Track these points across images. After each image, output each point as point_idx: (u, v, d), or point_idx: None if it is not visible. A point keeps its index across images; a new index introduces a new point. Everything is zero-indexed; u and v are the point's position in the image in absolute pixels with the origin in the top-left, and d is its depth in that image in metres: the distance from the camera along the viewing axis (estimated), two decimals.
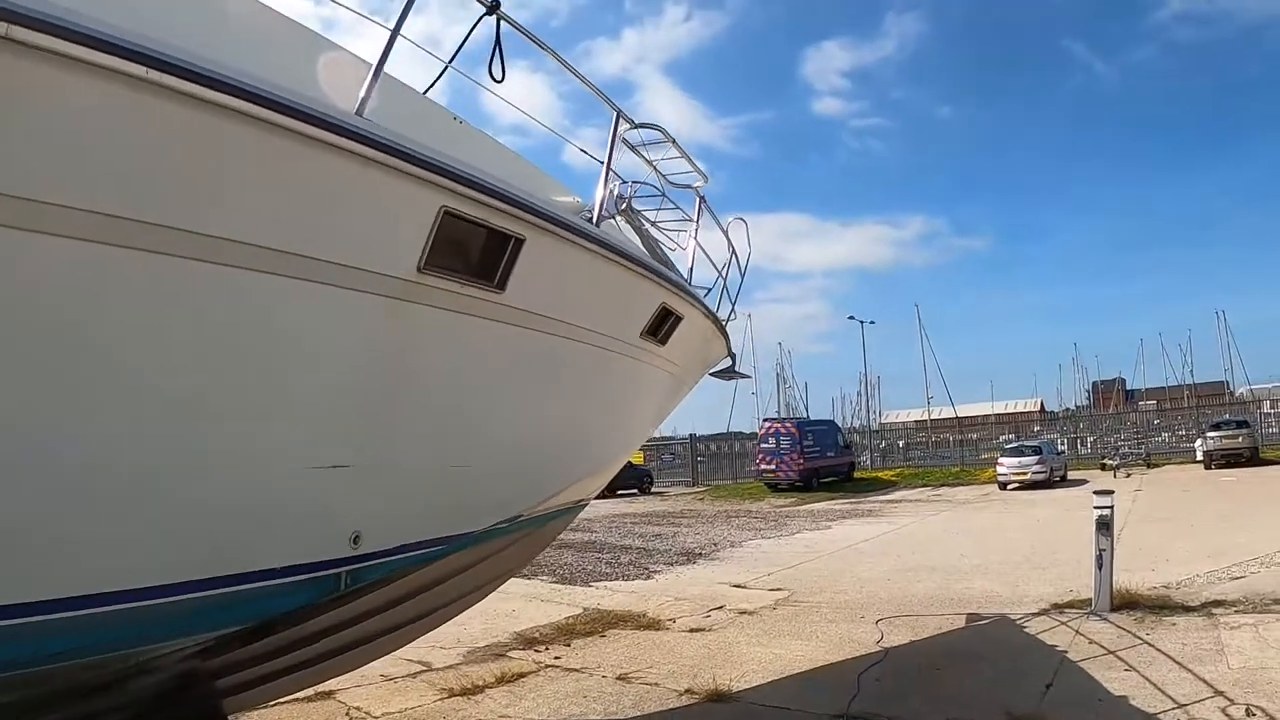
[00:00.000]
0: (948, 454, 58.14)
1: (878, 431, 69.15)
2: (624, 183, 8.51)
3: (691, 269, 9.19)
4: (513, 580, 17.81)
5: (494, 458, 6.52)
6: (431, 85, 7.32)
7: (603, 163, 7.12)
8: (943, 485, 43.63)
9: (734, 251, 11.16)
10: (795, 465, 44.09)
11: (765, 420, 49.78)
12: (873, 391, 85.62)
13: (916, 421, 76.46)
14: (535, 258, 5.90)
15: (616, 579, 17.73)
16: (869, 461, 55.20)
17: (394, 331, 5.24)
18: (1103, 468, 45.19)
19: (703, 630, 12.49)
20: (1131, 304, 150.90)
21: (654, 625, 13.06)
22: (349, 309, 4.94)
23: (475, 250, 5.56)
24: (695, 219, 9.41)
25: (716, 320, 10.29)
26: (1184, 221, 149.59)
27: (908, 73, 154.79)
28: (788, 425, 46.39)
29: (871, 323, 74.75)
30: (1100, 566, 11.92)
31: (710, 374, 12.33)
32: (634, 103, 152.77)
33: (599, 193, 7.05)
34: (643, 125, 8.17)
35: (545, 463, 7.46)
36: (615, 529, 28.08)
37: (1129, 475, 40.25)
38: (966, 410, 74.98)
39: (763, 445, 46.02)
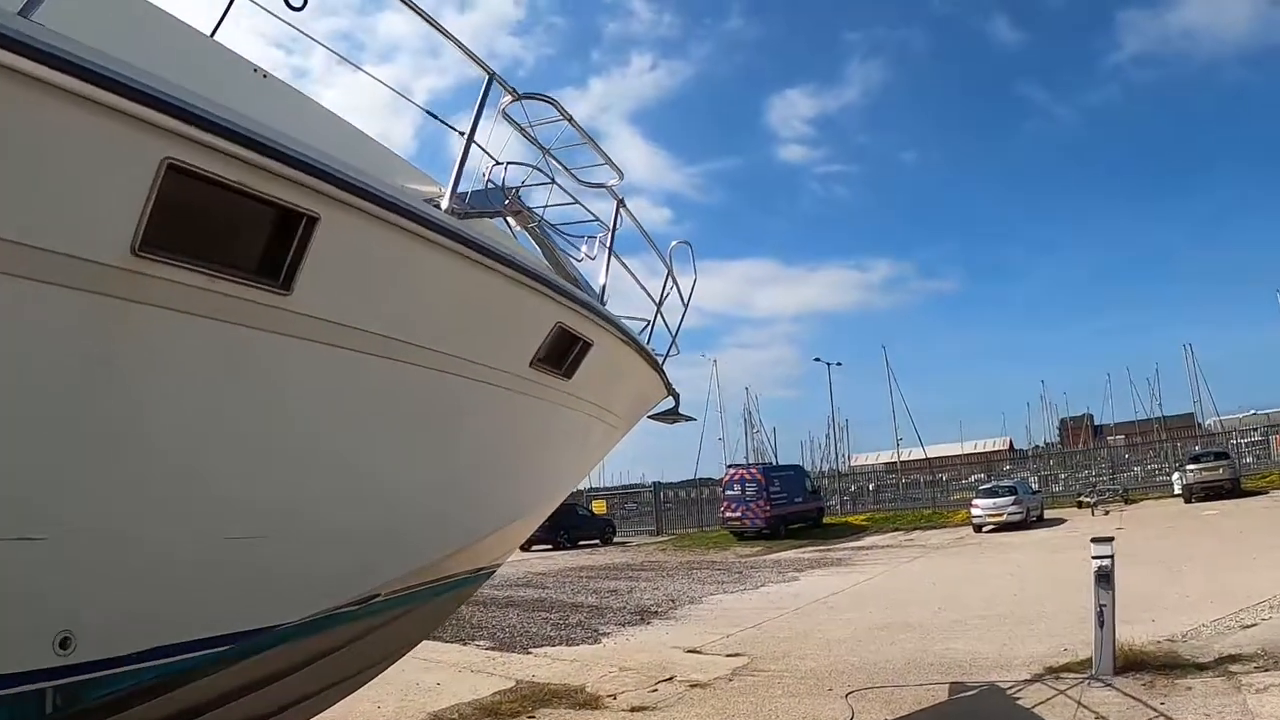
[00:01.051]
0: (918, 495, 56.53)
1: (847, 475, 67.61)
2: (516, 178, 7.23)
3: (605, 287, 7.62)
4: (447, 645, 16.33)
5: (308, 525, 4.75)
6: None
7: (464, 133, 5.57)
8: (915, 529, 42.03)
9: (673, 278, 9.77)
10: (761, 513, 42.30)
11: (730, 466, 48.04)
12: (841, 434, 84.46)
13: (886, 463, 75.21)
14: (342, 247, 4.26)
15: (560, 643, 15.93)
16: (838, 506, 53.42)
17: (97, 343, 3.51)
18: (1079, 505, 43.58)
19: (646, 710, 10.77)
20: (1097, 340, 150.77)
21: (591, 703, 11.33)
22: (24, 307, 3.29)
23: (238, 229, 3.88)
24: (612, 227, 7.85)
25: (645, 351, 8.79)
26: (1148, 257, 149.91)
27: (871, 119, 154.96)
28: (753, 471, 44.75)
29: (838, 364, 73.20)
30: (1102, 624, 10.24)
31: (650, 416, 10.95)
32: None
33: (454, 173, 5.34)
34: (531, 96, 6.59)
35: (403, 529, 5.75)
36: (569, 584, 26.27)
37: (1107, 513, 38.80)
38: (936, 450, 73.88)
39: (727, 492, 44.29)
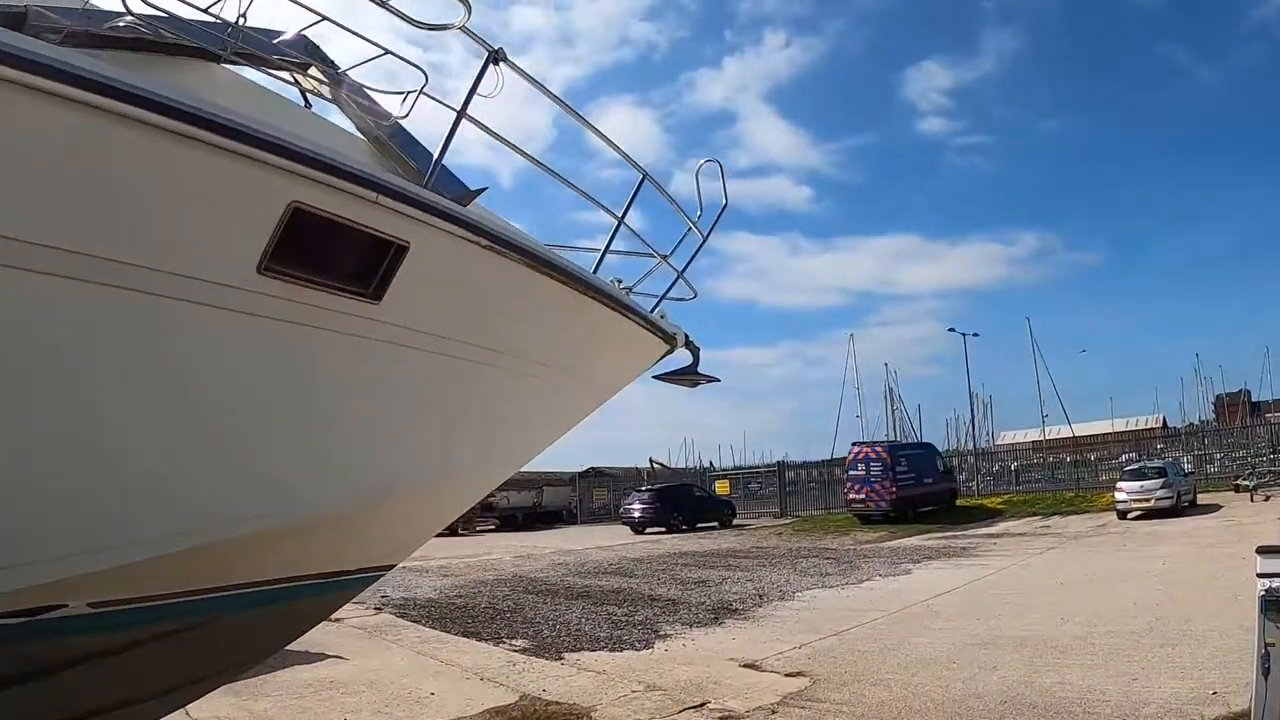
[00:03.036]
0: (1063, 475, 51.34)
1: (987, 454, 63.11)
2: None
3: (437, 161, 5.41)
4: (476, 644, 14.02)
5: None
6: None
7: None
8: (1054, 513, 37.54)
9: (699, 204, 8.00)
10: (887, 494, 38.45)
11: (854, 444, 43.78)
12: (985, 411, 79.67)
13: (1034, 442, 70.19)
14: None
15: (605, 647, 13.42)
16: (976, 487, 49.14)
17: None
18: (1236, 489, 37.92)
19: None
20: (1253, 312, 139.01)
21: None
22: None
23: None
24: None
25: (600, 289, 6.85)
26: None
27: (1008, 89, 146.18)
28: (878, 449, 40.64)
29: (975, 335, 68.58)
30: (1266, 672, 7.04)
31: (661, 377, 8.95)
32: (736, 131, 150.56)
33: None
34: None
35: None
36: (660, 573, 23.74)
37: (1267, 498, 33.86)
38: (1084, 429, 68.80)
39: (851, 472, 40.53)
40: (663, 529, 42.18)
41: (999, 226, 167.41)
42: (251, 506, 4.99)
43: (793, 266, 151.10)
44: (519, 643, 14.00)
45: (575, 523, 55.88)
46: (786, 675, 10.75)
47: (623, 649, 13.21)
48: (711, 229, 7.91)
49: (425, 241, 5.12)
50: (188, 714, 10.11)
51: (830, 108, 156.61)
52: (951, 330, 66.14)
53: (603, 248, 6.91)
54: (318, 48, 5.93)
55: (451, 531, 49.99)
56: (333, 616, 17.19)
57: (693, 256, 7.95)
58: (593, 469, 65.26)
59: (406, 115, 5.72)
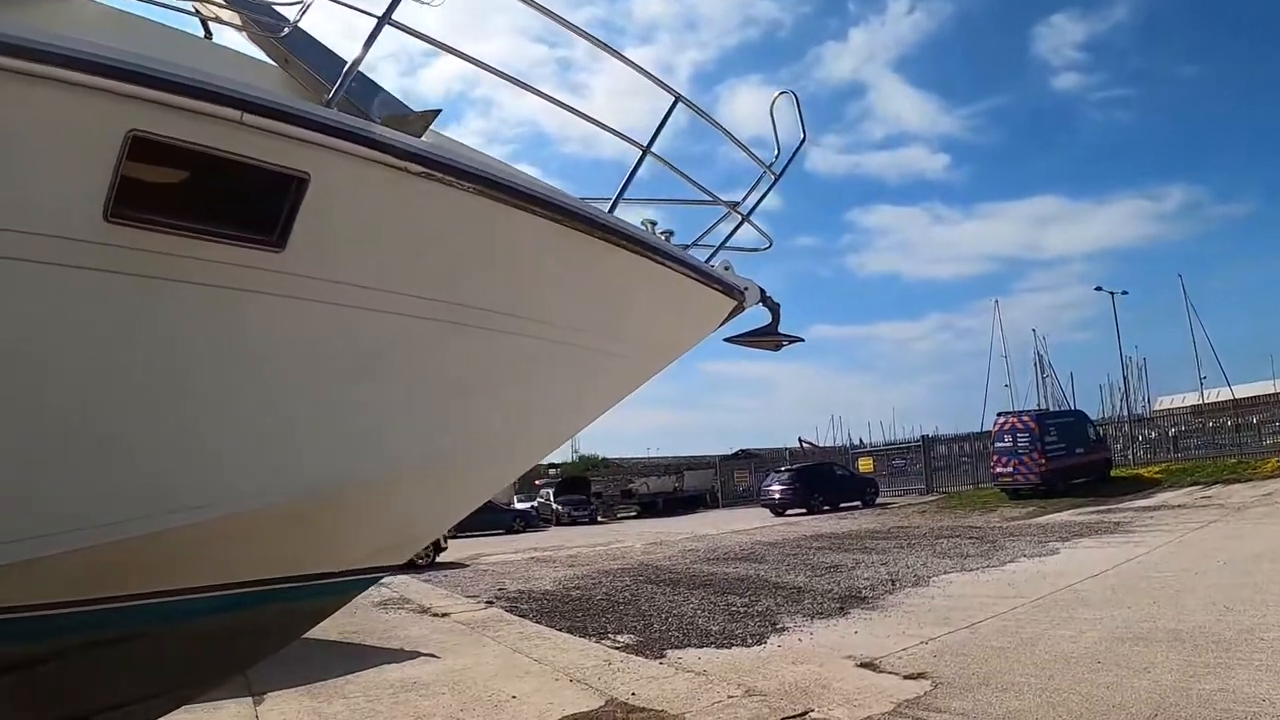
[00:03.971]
0: (1223, 441, 46.58)
1: (1142, 420, 59.16)
2: None
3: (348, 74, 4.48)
4: (575, 640, 13.06)
5: None
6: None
7: None
8: (1215, 482, 34.30)
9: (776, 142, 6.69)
10: (1035, 467, 35.89)
11: (999, 415, 41.14)
12: (1139, 376, 74.99)
13: (1192, 407, 65.52)
14: None
15: (713, 643, 12.24)
16: (1131, 456, 45.70)
17: None
18: None
19: None
20: None
21: None
22: None
23: None
24: None
25: (626, 234, 5.65)
26: None
27: (1143, 36, 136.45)
28: (1025, 419, 38.03)
29: (1124, 293, 64.33)
30: None
31: (735, 340, 7.67)
32: (867, 103, 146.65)
33: None
34: None
35: None
36: (791, 557, 22.40)
37: None
38: (1246, 390, 63.75)
39: (996, 444, 38.04)
40: (803, 510, 40.55)
41: (1144, 182, 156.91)
42: (129, 508, 4.13)
43: (935, 236, 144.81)
44: (623, 638, 12.96)
45: (717, 506, 54.63)
46: (906, 677, 9.39)
47: (732, 645, 12.03)
48: (786, 167, 6.68)
49: (331, 171, 4.09)
50: (257, 715, 9.52)
51: (960, 71, 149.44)
52: (1099, 289, 62.61)
53: (619, 188, 5.70)
54: None
55: (591, 520, 49.86)
56: (439, 610, 16.72)
57: (762, 196, 6.72)
58: (742, 451, 64.01)
59: (298, 20, 4.77)
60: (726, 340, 7.45)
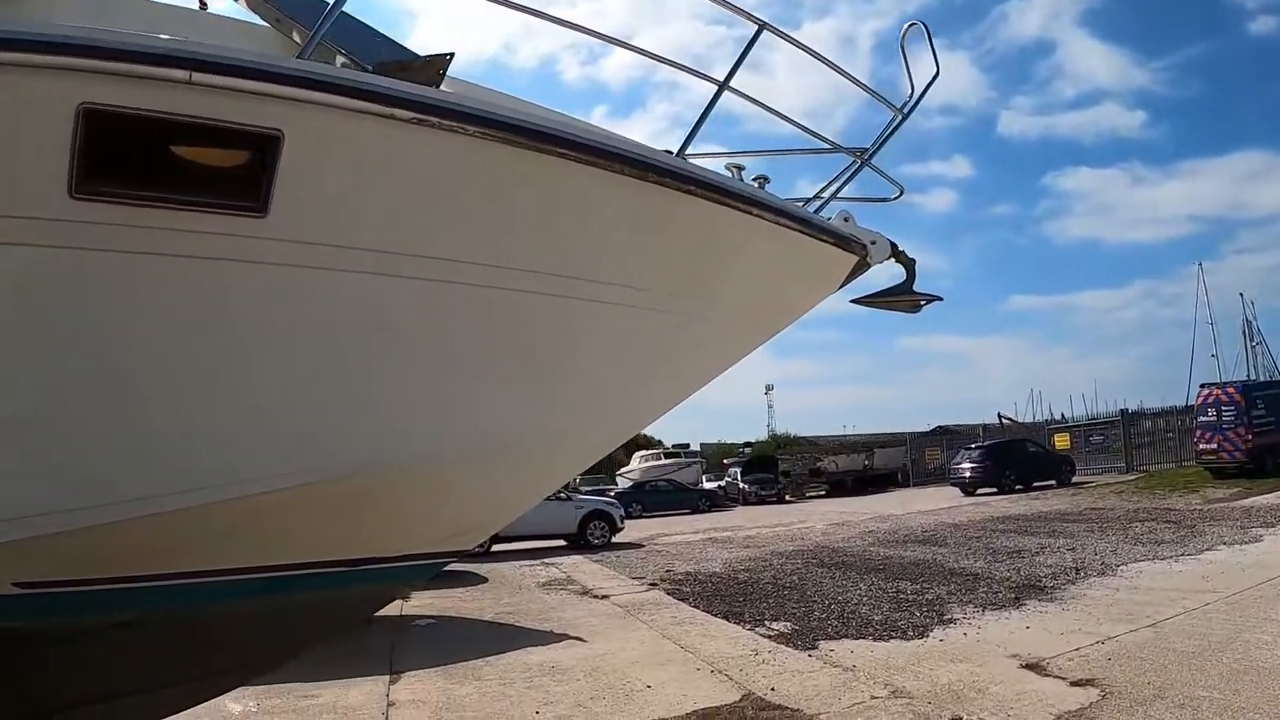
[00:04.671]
0: None
1: None
2: None
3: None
4: (727, 626, 12.46)
5: None
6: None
7: None
8: None
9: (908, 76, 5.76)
10: (1241, 443, 32.47)
11: (1202, 386, 37.58)
12: None
13: None
14: None
15: (871, 634, 11.41)
16: None
17: None
18: None
19: None
20: None
21: None
22: None
23: None
24: None
25: (702, 181, 4.98)
26: None
27: None
28: (1229, 391, 34.54)
29: None
30: None
31: (866, 301, 6.75)
32: (1056, 60, 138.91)
33: None
34: None
35: None
36: (973, 540, 21.06)
37: None
38: None
39: (1199, 419, 34.61)
40: (993, 489, 38.43)
41: None
42: (153, 484, 3.91)
43: (1136, 198, 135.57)
44: (779, 626, 12.27)
45: (908, 485, 52.76)
46: (1072, 684, 8.34)
47: (891, 637, 11.16)
48: (914, 104, 5.78)
49: (307, 126, 3.64)
50: (389, 693, 9.36)
51: (1149, 22, 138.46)
52: None
53: (691, 128, 4.99)
54: None
55: (779, 499, 49.03)
56: (600, 592, 16.40)
57: (886, 136, 5.85)
58: (940, 428, 61.83)
59: None
60: (854, 301, 6.65)
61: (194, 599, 4.35)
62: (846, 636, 11.35)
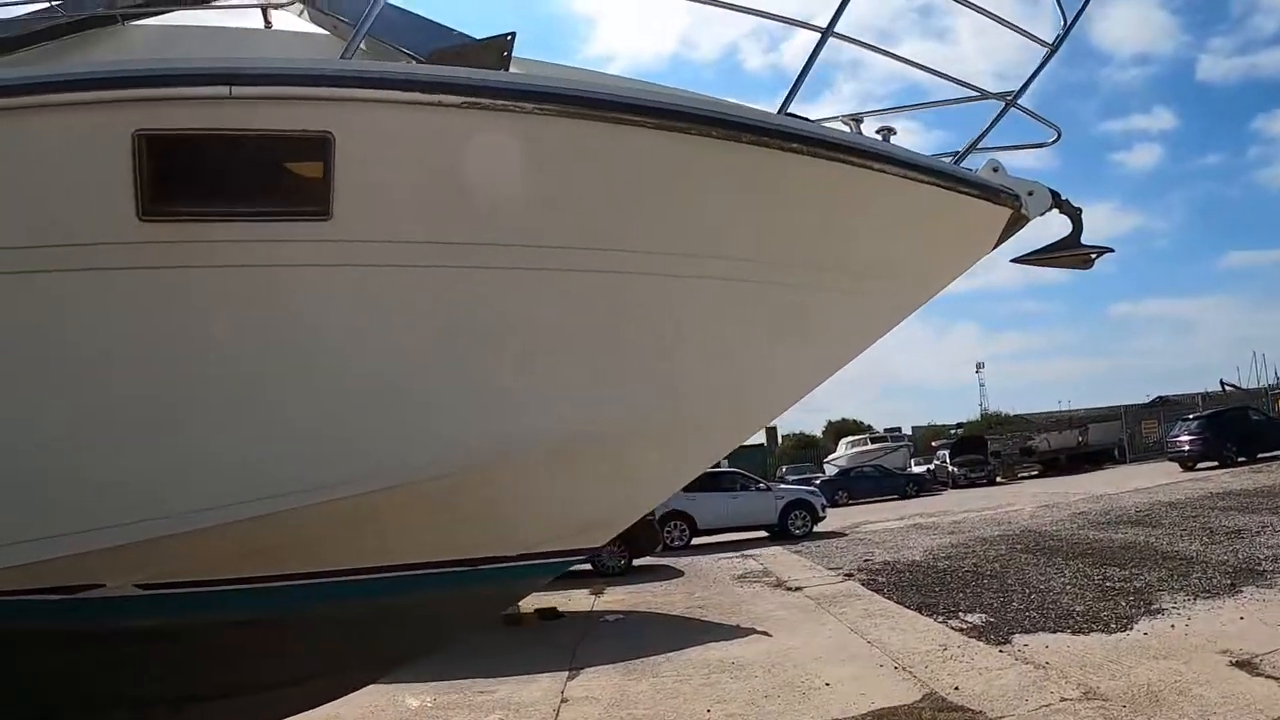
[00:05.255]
0: None
1: None
2: None
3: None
4: (921, 619, 12.01)
5: None
6: None
7: None
8: None
9: None
10: None
11: None
12: None
13: None
14: None
15: (1068, 628, 10.74)
16: None
17: None
18: None
19: None
20: None
21: None
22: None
23: None
24: None
25: (791, 132, 4.56)
26: None
27: None
28: None
29: None
30: None
31: (1025, 259, 6.06)
32: None
33: None
34: None
35: None
36: (1189, 520, 19.57)
37: None
38: None
39: None
40: (1214, 463, 35.58)
41: None
42: (261, 488, 4.07)
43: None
44: (973, 618, 11.75)
45: (1124, 461, 49.77)
46: None
47: (1091, 630, 10.47)
48: (1063, 36, 5.21)
49: (356, 124, 3.65)
50: (564, 689, 9.43)
51: None
52: None
53: (793, 82, 4.65)
54: None
55: (989, 481, 47.12)
56: (794, 584, 16.14)
57: (1034, 75, 5.28)
58: (1159, 398, 58.15)
59: None
60: (1015, 261, 6.14)
61: (311, 599, 4.45)
62: (1043, 630, 10.75)
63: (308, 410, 4.11)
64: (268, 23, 5.27)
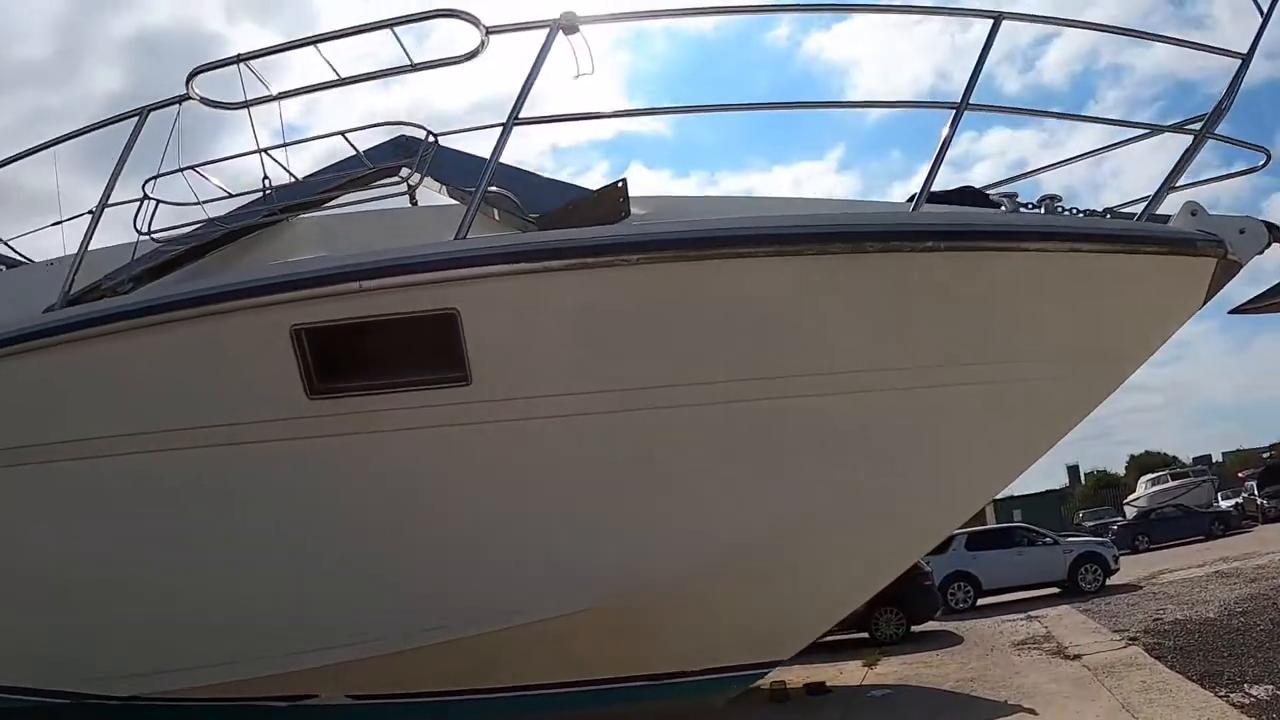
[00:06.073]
0: None
1: None
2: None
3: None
4: (1199, 692, 11.32)
5: None
6: None
7: None
8: None
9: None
10: None
11: None
12: None
13: None
14: None
15: None
16: None
17: None
18: None
19: None
20: None
21: None
22: None
23: None
24: None
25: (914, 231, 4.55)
26: None
27: None
28: None
29: None
30: None
31: (1243, 309, 5.77)
32: None
33: None
34: None
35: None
36: None
37: None
38: None
39: None
40: None
41: None
42: (456, 614, 4.91)
43: None
44: (1258, 690, 10.87)
45: None
46: None
47: None
48: (1256, 41, 4.78)
49: (478, 296, 4.17)
50: None
51: None
52: None
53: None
54: (408, 143, 5.40)
55: None
56: (1073, 650, 15.45)
57: (1228, 97, 4.90)
58: None
59: (423, 177, 5.44)
60: (1233, 312, 5.68)
61: (512, 710, 4.99)
62: None
63: (495, 545, 4.68)
64: (413, 200, 5.86)
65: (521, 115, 4.80)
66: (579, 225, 4.41)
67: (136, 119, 5.40)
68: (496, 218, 5.18)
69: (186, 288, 4.82)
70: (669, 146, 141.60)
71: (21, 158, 5.88)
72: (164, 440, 4.74)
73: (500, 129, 4.72)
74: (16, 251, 7.60)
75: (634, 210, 4.88)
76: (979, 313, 4.79)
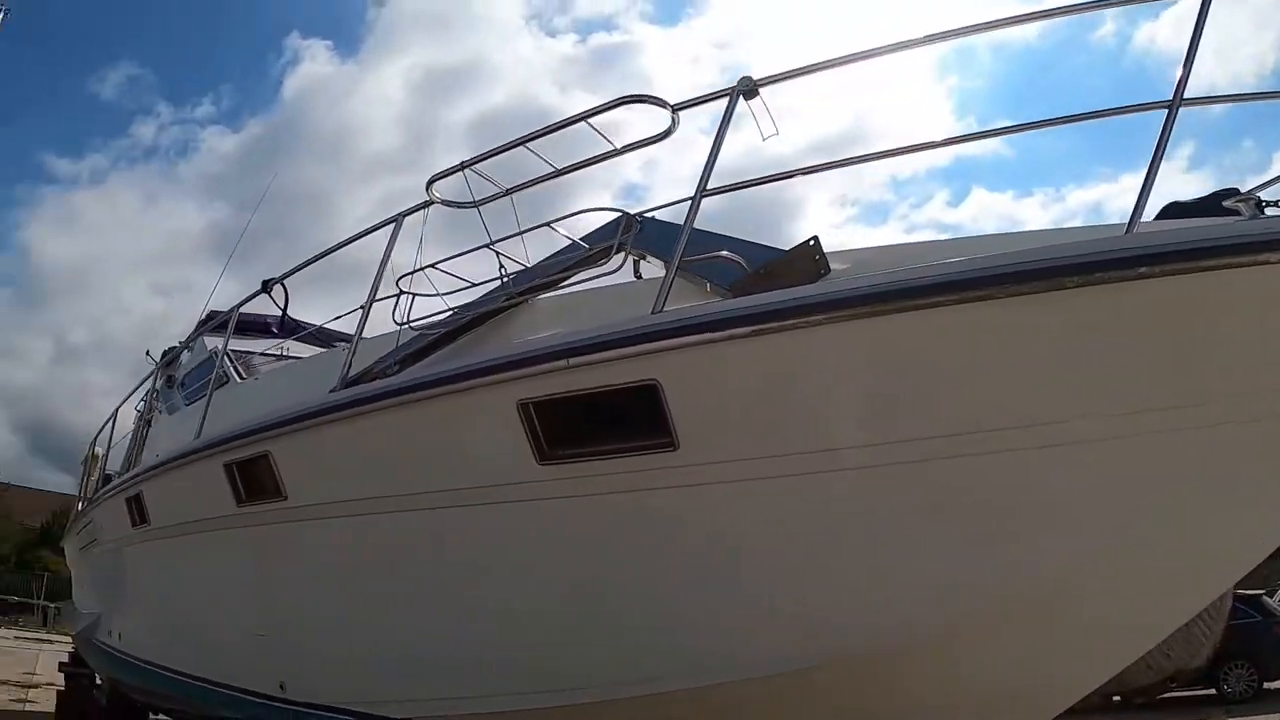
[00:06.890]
0: None
1: None
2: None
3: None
4: None
5: None
6: None
7: None
8: None
9: None
10: None
11: None
12: None
13: None
14: None
15: None
16: None
17: None
18: None
19: None
20: None
21: None
22: None
23: None
24: None
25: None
26: None
27: None
28: None
29: None
30: None
31: None
32: None
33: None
34: None
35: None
36: None
37: None
38: None
39: None
40: None
41: None
42: (648, 670, 4.93)
43: None
44: None
45: None
46: None
47: None
48: None
49: (676, 366, 4.46)
50: None
51: None
52: None
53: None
54: (630, 221, 5.62)
55: None
56: None
57: None
58: None
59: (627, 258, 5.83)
60: None
61: None
62: None
63: (722, 602, 4.77)
64: (638, 274, 6.16)
65: (711, 186, 4.86)
66: (772, 288, 4.39)
67: (393, 225, 6.18)
68: (709, 290, 5.25)
69: (436, 370, 5.50)
70: (1009, 166, 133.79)
71: (315, 261, 7.42)
72: (422, 501, 5.49)
73: (689, 202, 4.86)
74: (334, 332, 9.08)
75: (834, 265, 4.91)
76: (1217, 346, 4.03)
